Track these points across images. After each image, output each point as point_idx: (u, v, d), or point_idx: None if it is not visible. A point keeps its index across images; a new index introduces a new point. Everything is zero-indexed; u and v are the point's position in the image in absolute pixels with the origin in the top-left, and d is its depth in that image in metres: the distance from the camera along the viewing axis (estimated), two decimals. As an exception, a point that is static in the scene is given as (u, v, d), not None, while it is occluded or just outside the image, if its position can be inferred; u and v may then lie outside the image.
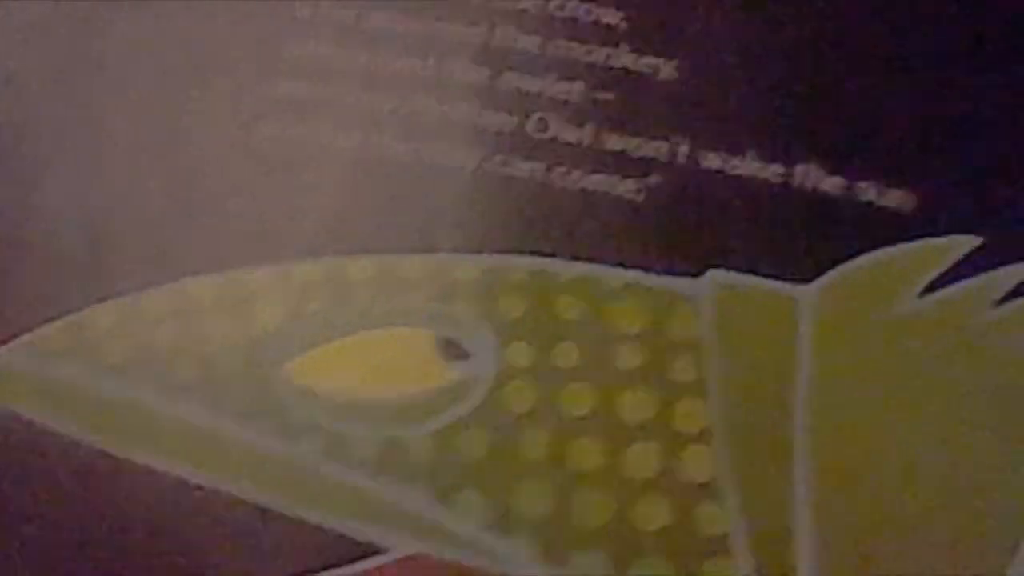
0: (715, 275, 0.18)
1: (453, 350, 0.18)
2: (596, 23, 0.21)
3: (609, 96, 0.20)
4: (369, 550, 0.17)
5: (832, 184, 0.19)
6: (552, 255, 0.19)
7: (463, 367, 0.18)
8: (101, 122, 0.20)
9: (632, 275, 0.19)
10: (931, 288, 0.18)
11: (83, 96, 0.21)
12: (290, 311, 0.19)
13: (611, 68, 0.20)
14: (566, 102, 0.20)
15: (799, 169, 0.19)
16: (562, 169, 0.19)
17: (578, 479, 0.17)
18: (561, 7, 0.21)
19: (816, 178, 0.19)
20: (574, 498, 0.17)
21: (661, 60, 0.20)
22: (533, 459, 0.17)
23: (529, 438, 0.17)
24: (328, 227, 0.19)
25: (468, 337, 0.18)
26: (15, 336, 0.19)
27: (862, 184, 0.19)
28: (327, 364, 0.18)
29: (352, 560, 0.17)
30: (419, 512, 0.17)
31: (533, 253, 0.19)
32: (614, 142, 0.20)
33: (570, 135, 0.20)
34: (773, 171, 0.19)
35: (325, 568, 0.17)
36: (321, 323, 0.18)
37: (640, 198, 0.19)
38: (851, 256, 0.19)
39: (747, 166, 0.19)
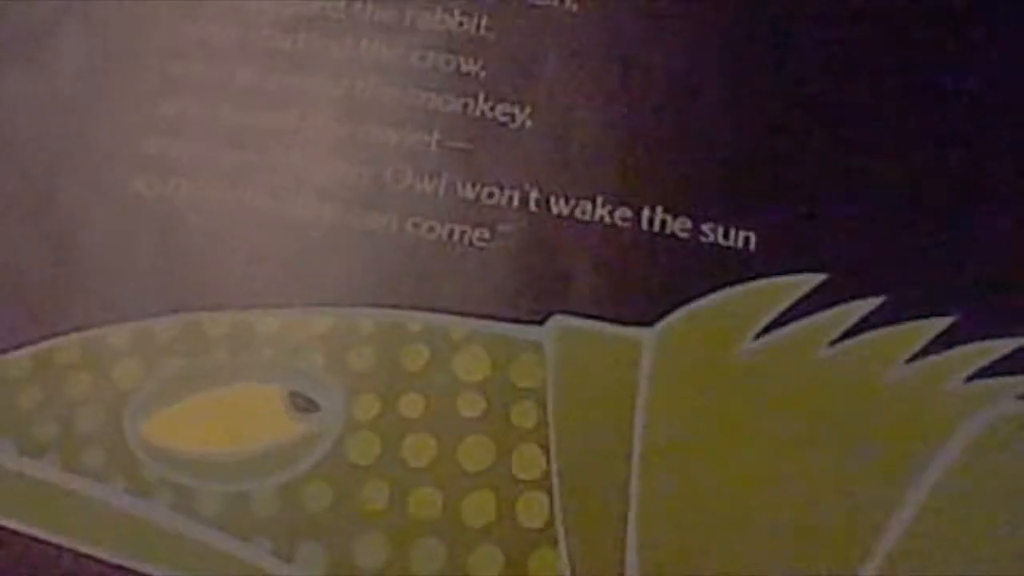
0: (558, 320, 0.19)
1: (302, 404, 0.19)
2: (455, 73, 0.21)
3: (465, 145, 0.20)
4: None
5: (678, 226, 0.19)
6: (403, 306, 0.19)
7: (311, 421, 0.18)
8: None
9: (477, 324, 0.19)
10: (772, 327, 0.19)
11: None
12: (149, 368, 0.19)
13: (468, 117, 0.21)
14: (423, 152, 0.20)
15: (646, 212, 0.20)
16: (416, 219, 0.20)
17: (416, 528, 0.18)
18: (423, 58, 0.21)
19: (662, 220, 0.20)
20: (412, 547, 0.18)
21: (516, 108, 0.21)
22: (374, 510, 0.18)
23: (371, 489, 0.18)
24: (191, 283, 0.20)
25: (318, 390, 0.19)
26: None
27: (706, 225, 0.19)
28: (180, 423, 0.19)
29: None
30: (261, 566, 0.18)
31: (385, 305, 0.19)
32: (468, 191, 0.20)
33: (425, 185, 0.20)
34: (621, 215, 0.20)
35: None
36: (177, 380, 0.19)
37: (490, 246, 0.20)
38: (695, 297, 0.19)
39: (596, 211, 0.20)
